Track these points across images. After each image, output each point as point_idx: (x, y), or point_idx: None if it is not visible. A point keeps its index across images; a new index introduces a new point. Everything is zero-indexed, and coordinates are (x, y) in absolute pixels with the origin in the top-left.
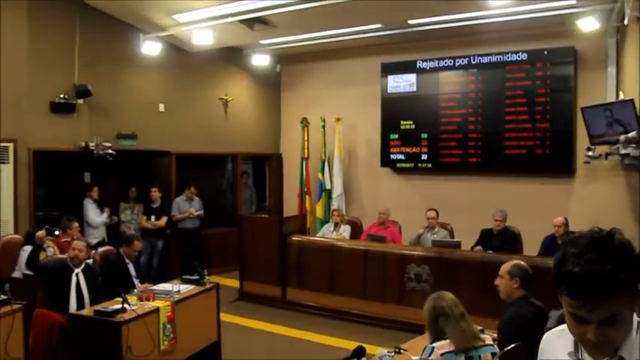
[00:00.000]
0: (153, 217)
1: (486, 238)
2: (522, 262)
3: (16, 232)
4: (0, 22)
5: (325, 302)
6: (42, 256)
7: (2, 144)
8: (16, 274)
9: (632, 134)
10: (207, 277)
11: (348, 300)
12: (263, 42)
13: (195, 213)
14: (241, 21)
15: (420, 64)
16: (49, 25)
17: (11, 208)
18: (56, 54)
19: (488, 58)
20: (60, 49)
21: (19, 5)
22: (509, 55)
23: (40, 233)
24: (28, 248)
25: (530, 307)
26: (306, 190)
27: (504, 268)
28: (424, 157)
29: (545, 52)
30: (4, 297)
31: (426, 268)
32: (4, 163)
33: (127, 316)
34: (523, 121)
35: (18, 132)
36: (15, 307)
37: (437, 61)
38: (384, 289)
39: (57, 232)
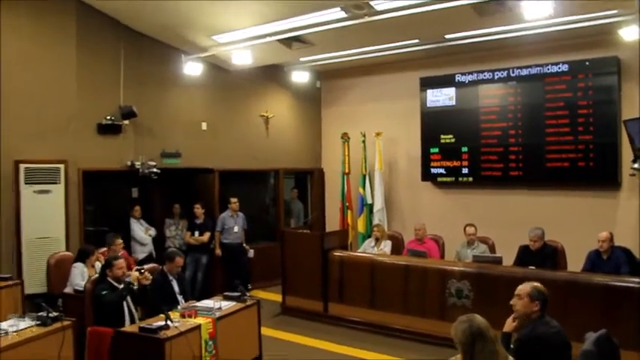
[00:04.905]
0: (197, 233)
1: (526, 255)
2: (539, 284)
3: (67, 249)
4: (51, 50)
5: (366, 317)
6: (91, 272)
7: (54, 165)
8: (68, 290)
9: None
10: (249, 294)
11: (389, 315)
12: (302, 59)
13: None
14: (279, 40)
15: (458, 78)
16: (95, 49)
17: (63, 226)
18: (102, 77)
19: (528, 70)
20: (106, 72)
21: (68, 33)
22: (550, 67)
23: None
24: (78, 265)
25: (549, 327)
26: (347, 204)
27: (524, 290)
28: (465, 170)
29: (587, 63)
30: (55, 314)
31: (467, 283)
32: (55, 183)
33: (169, 333)
34: (565, 133)
35: (68, 153)
36: (65, 323)
37: (476, 74)
38: (425, 304)
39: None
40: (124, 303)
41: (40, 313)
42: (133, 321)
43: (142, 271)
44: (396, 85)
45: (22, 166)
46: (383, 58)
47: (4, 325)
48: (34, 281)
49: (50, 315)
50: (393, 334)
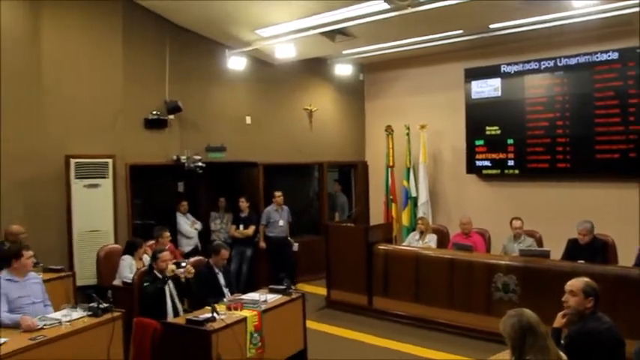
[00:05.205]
0: (241, 227)
1: (574, 249)
2: (590, 280)
3: (116, 242)
4: (99, 47)
5: (411, 311)
6: (139, 264)
7: (102, 160)
8: (116, 282)
9: None
10: (294, 287)
11: (434, 309)
12: (345, 52)
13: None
14: (322, 33)
15: (504, 69)
16: (141, 46)
17: (111, 220)
18: (148, 73)
19: (576, 59)
20: (152, 68)
21: (115, 30)
22: (599, 55)
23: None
24: (126, 257)
25: (601, 323)
26: (391, 197)
27: (577, 286)
28: (511, 163)
29: (638, 50)
30: (106, 305)
31: (514, 277)
32: (104, 177)
33: (216, 325)
34: (615, 123)
35: (116, 148)
36: (115, 314)
37: (521, 65)
38: (471, 298)
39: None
40: (167, 295)
41: (91, 304)
42: (176, 313)
43: (183, 264)
44: (440, 77)
45: (73, 161)
46: (426, 50)
47: (58, 314)
48: (85, 273)
49: (101, 306)
50: (438, 328)
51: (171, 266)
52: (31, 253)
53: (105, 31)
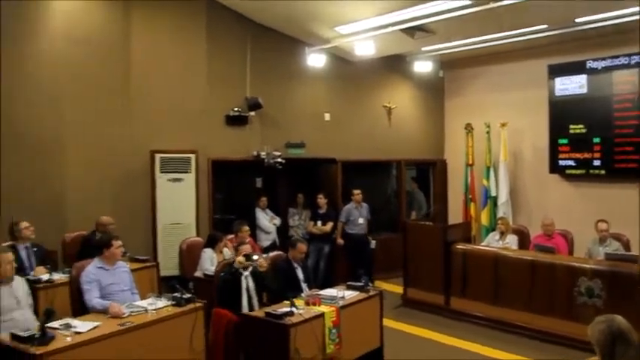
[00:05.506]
0: (319, 223)
1: None
2: None
3: (197, 234)
4: (183, 46)
5: (489, 313)
6: (219, 258)
7: (185, 155)
8: (198, 274)
9: None
10: (371, 285)
11: (513, 312)
12: (425, 49)
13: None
14: (402, 30)
15: (590, 64)
16: (223, 44)
17: (193, 213)
18: (230, 70)
19: None
20: (233, 65)
21: (199, 29)
22: None
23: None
24: (208, 250)
25: None
26: (470, 196)
27: None
28: (596, 162)
29: None
30: (189, 295)
31: (599, 282)
32: (186, 172)
33: (294, 320)
34: None
35: (198, 144)
36: (198, 305)
37: (609, 60)
38: (552, 302)
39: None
40: (244, 288)
41: (174, 294)
42: (250, 306)
43: (255, 257)
44: (523, 74)
45: (158, 156)
46: (509, 46)
47: (144, 303)
48: (168, 264)
49: (184, 296)
50: (517, 331)
51: (240, 258)
52: (120, 242)
53: (190, 30)
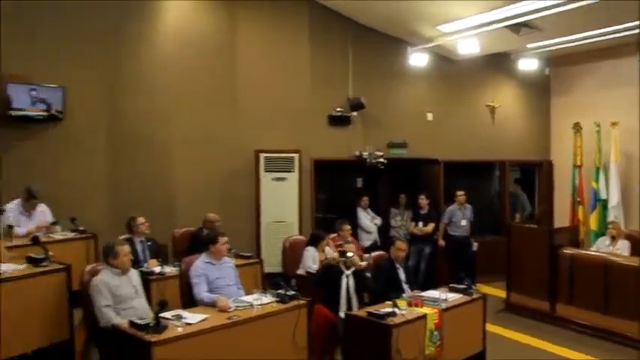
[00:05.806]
0: (420, 224)
1: None
2: None
3: (300, 233)
4: (287, 47)
5: (597, 322)
6: (321, 256)
7: (289, 154)
8: (300, 272)
9: None
10: (474, 288)
11: (623, 322)
12: (530, 46)
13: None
14: (506, 27)
15: None
16: (326, 45)
17: (296, 212)
18: (332, 71)
19: None
20: (335, 66)
21: (302, 30)
22: None
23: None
24: (310, 248)
25: None
26: (578, 199)
27: None
28: None
29: None
30: (292, 292)
31: None
32: (290, 171)
33: (396, 320)
34: None
35: (301, 143)
36: (301, 302)
37: None
38: None
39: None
40: (343, 287)
41: (279, 291)
42: (349, 305)
43: (349, 254)
44: (635, 70)
45: (262, 155)
46: (619, 40)
47: (250, 298)
48: (271, 261)
49: (288, 293)
50: (627, 343)
51: (335, 254)
52: (226, 239)
53: (292, 31)
